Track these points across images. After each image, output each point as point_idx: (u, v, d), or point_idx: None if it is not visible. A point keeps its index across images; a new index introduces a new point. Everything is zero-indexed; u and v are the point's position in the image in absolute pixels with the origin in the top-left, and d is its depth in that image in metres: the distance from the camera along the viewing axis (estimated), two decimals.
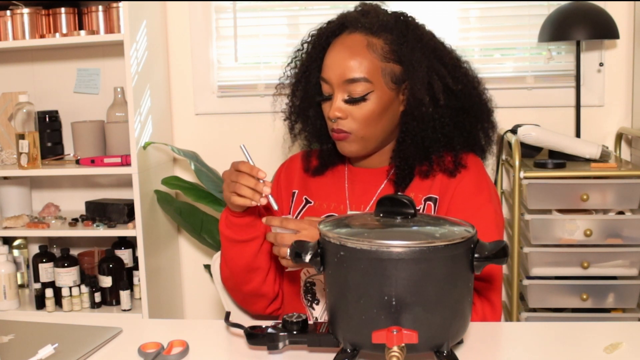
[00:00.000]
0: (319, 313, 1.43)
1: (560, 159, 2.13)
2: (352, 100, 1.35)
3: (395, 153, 1.41)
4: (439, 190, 1.40)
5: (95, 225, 2.35)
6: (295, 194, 1.51)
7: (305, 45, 1.46)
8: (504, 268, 2.43)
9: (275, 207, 1.30)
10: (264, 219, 1.30)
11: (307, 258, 1.03)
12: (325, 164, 1.51)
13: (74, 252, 2.54)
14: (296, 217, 1.48)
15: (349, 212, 1.44)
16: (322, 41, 1.41)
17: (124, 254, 2.50)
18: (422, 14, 2.43)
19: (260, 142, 2.49)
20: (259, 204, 1.29)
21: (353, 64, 1.33)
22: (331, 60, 1.36)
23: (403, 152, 1.39)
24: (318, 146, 1.52)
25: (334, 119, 1.37)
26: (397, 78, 1.36)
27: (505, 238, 2.43)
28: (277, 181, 1.57)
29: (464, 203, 1.37)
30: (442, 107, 1.37)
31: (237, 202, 1.29)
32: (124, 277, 2.43)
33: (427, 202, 1.39)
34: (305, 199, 1.50)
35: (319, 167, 1.51)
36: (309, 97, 1.45)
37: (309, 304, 1.45)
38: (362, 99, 1.34)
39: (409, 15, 1.43)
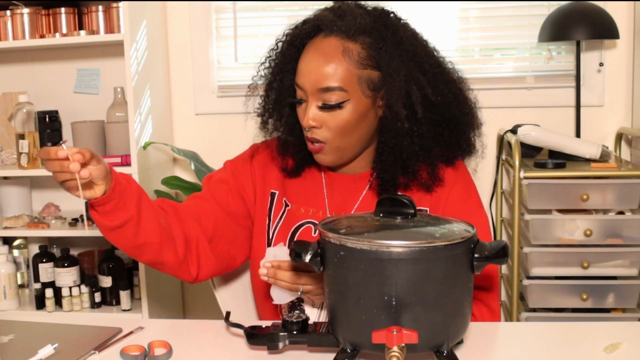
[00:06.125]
0: None
1: (560, 159, 2.13)
2: (326, 107, 1.29)
3: (376, 162, 1.36)
4: (429, 202, 1.36)
5: (95, 225, 2.35)
6: (276, 196, 1.45)
7: (280, 45, 1.40)
8: (504, 268, 2.43)
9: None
10: (269, 262, 1.21)
11: (307, 258, 1.03)
12: (302, 164, 1.44)
13: (74, 252, 2.54)
14: (277, 222, 1.43)
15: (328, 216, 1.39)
16: (296, 42, 1.35)
17: (124, 254, 2.50)
18: (422, 14, 2.46)
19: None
20: (78, 175, 1.13)
21: (327, 71, 1.27)
22: (305, 67, 1.30)
23: (382, 162, 1.34)
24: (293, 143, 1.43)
25: (308, 128, 1.31)
26: (375, 85, 1.29)
27: (505, 238, 2.44)
28: (251, 162, 1.47)
29: (456, 213, 1.33)
30: (419, 119, 1.30)
31: (68, 189, 1.17)
32: (124, 277, 2.43)
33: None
34: (285, 201, 1.44)
35: (295, 168, 1.44)
36: (282, 99, 1.39)
37: None
38: (337, 106, 1.28)
39: (390, 12, 1.36)
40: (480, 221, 1.34)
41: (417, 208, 1.31)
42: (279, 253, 1.25)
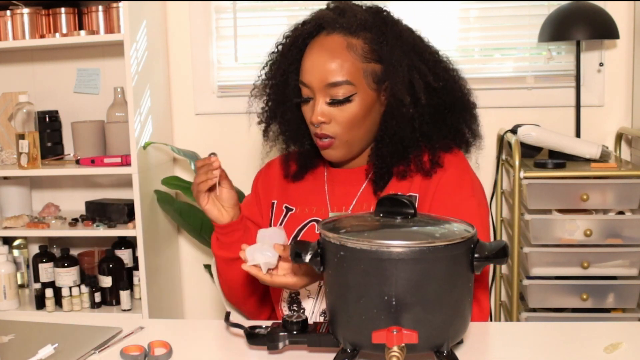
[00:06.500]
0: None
1: (560, 159, 2.13)
2: (335, 102, 1.31)
3: (374, 152, 1.38)
4: (419, 188, 1.37)
5: (95, 225, 2.35)
6: (275, 205, 1.48)
7: (280, 47, 1.42)
8: (504, 268, 2.43)
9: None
10: (245, 266, 1.21)
11: (307, 258, 1.03)
12: (305, 167, 1.47)
13: (74, 252, 2.54)
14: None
15: (331, 214, 1.41)
16: (298, 43, 1.37)
17: (124, 254, 2.50)
18: (422, 14, 2.46)
19: (259, 143, 2.49)
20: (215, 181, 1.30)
21: (334, 67, 1.30)
22: (311, 64, 1.32)
23: (381, 151, 1.36)
24: (296, 148, 1.48)
25: (317, 124, 1.33)
26: (379, 78, 1.33)
27: (505, 238, 2.43)
28: (255, 189, 1.54)
29: (445, 199, 1.34)
30: (423, 106, 1.33)
31: (199, 194, 1.31)
32: (124, 277, 2.43)
33: None
34: (286, 207, 1.46)
35: (298, 171, 1.47)
36: (286, 100, 1.41)
37: None
38: (346, 100, 1.31)
39: (384, 9, 1.39)
40: (468, 211, 1.32)
41: (408, 194, 1.35)
42: (269, 235, 1.22)
